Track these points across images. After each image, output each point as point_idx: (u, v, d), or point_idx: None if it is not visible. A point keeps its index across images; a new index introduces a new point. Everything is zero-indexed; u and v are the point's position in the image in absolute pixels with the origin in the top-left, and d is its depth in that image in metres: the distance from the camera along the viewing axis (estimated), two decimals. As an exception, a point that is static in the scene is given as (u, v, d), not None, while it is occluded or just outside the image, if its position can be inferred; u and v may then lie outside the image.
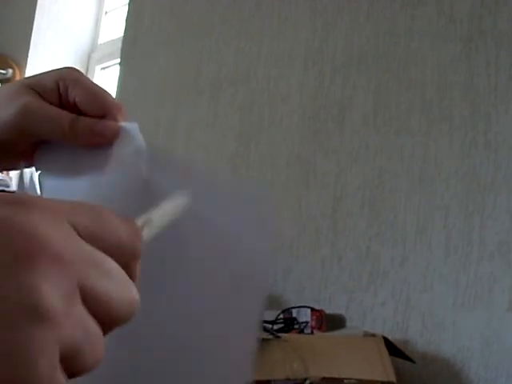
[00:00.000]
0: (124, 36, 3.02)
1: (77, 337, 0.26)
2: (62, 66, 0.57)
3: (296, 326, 1.50)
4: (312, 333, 1.52)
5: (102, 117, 0.53)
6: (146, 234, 0.33)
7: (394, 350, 1.44)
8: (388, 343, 1.42)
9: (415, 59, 1.76)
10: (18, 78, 3.38)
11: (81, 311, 0.26)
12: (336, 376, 1.25)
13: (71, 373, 0.26)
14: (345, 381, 1.26)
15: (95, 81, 3.46)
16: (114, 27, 3.43)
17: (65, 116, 0.52)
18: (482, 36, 1.64)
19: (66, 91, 0.54)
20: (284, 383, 1.21)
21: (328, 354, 1.30)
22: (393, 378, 1.31)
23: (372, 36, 1.88)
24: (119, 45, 3.05)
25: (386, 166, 1.77)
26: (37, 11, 3.50)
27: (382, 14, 1.86)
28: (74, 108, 0.53)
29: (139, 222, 0.34)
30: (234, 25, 2.39)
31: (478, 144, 1.60)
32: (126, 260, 0.30)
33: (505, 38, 1.60)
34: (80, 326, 0.26)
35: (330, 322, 1.67)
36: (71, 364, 0.26)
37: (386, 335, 1.48)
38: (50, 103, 0.53)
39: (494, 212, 1.55)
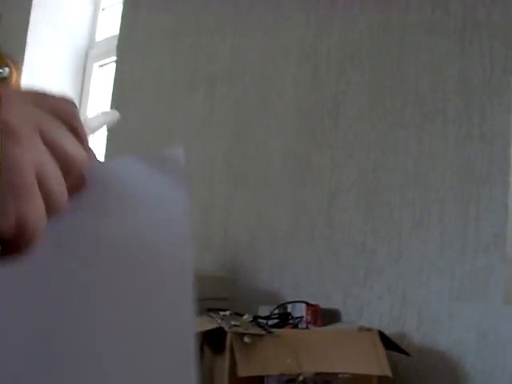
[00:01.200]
0: (120, 33, 3.02)
1: (43, 163, 0.34)
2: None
3: (291, 321, 1.50)
4: (307, 328, 1.51)
5: None
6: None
7: (389, 343, 1.44)
8: (383, 337, 1.42)
9: (409, 53, 1.75)
10: (14, 76, 3.38)
11: (42, 147, 0.35)
12: (330, 371, 1.25)
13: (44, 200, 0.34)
14: (339, 375, 1.26)
15: (93, 78, 3.47)
16: (111, 24, 3.42)
17: None
18: (476, 28, 1.64)
19: None
20: (277, 379, 1.21)
21: (322, 348, 1.29)
22: (388, 373, 1.31)
23: (366, 30, 1.87)
24: (116, 40, 3.05)
25: (381, 161, 1.76)
26: (32, 8, 3.49)
27: (376, 8, 1.86)
28: None
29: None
30: (229, 21, 2.38)
31: (472, 136, 1.60)
32: (71, 121, 0.39)
33: (499, 31, 1.60)
34: (44, 156, 0.34)
35: (325, 317, 1.66)
36: (42, 188, 0.34)
37: (382, 330, 1.48)
38: None
39: (489, 204, 1.54)
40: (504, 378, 1.46)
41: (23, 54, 3.43)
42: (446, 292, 1.58)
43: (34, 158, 0.34)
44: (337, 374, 1.26)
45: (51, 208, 0.35)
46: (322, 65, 1.98)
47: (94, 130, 0.49)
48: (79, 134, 0.39)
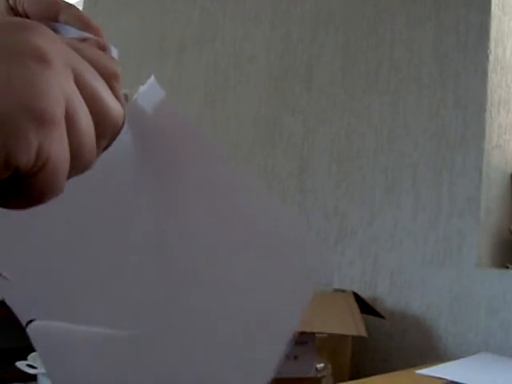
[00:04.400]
0: (84, -1, 2.93)
1: (74, 97, 0.29)
2: None
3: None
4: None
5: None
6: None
7: (363, 306, 1.43)
8: (358, 299, 1.41)
9: (384, 17, 1.73)
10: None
11: (74, 85, 0.29)
12: (307, 330, 1.23)
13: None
14: (316, 335, 1.24)
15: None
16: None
17: None
18: (452, -6, 1.63)
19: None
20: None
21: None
22: (364, 333, 1.29)
23: (340, -6, 1.84)
24: (81, 6, 2.96)
25: (354, 126, 1.75)
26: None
27: (351, -28, 1.83)
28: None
29: None
30: (198, -15, 2.33)
31: (447, 102, 1.59)
32: (109, 78, 0.34)
33: (474, -4, 1.59)
34: (75, 94, 0.29)
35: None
36: (70, 134, 0.28)
37: (354, 293, 1.47)
38: None
39: (463, 169, 1.54)
40: (477, 340, 1.46)
41: None
42: (418, 256, 1.58)
43: (64, 88, 0.28)
44: (314, 333, 1.24)
45: (76, 163, 0.30)
46: (294, 29, 1.95)
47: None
48: (116, 95, 0.34)
